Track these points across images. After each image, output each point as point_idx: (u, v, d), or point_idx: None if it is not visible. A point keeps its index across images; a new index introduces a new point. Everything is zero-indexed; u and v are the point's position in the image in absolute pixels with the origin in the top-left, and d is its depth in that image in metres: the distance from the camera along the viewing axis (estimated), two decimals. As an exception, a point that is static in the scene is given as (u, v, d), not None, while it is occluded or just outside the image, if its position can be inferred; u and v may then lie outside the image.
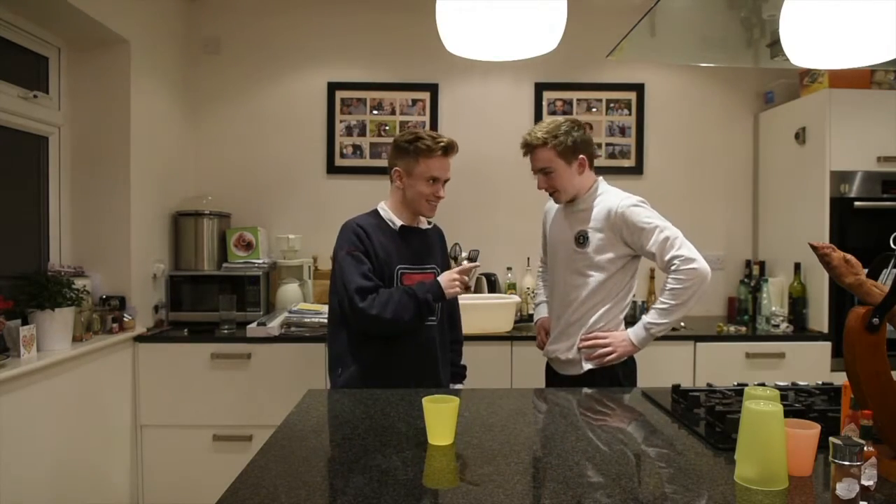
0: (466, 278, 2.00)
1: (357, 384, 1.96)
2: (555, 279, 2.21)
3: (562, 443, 1.35)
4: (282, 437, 1.39)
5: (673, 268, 1.97)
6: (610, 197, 2.08)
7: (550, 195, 2.16)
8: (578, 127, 2.10)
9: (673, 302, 1.97)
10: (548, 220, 2.31)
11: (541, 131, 2.08)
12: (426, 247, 2.13)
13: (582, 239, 2.08)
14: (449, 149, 2.03)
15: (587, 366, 2.08)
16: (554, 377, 2.22)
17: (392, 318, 1.89)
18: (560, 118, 2.14)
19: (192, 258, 3.15)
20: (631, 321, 2.16)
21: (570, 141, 2.06)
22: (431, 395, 1.38)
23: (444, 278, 1.97)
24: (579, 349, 2.09)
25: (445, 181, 2.06)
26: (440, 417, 1.32)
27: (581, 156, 2.08)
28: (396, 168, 2.06)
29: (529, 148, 2.12)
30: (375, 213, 2.10)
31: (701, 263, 1.96)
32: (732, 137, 3.55)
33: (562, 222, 2.18)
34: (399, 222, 2.07)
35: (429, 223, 2.19)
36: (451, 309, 2.26)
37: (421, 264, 2.08)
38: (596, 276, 2.06)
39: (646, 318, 2.03)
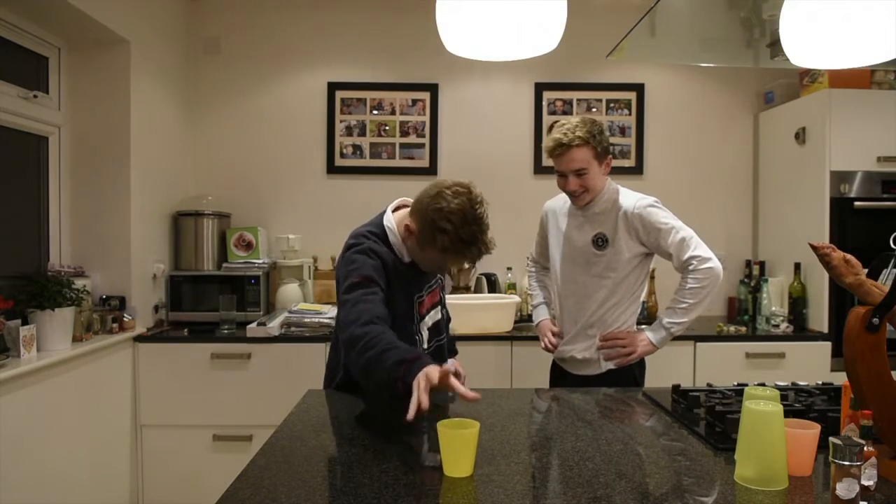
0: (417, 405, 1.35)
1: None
2: (569, 282, 2.18)
3: (561, 443, 1.35)
4: (282, 437, 1.39)
5: (691, 268, 2.00)
6: (625, 198, 2.09)
7: (574, 197, 2.09)
8: (604, 128, 2.11)
9: (692, 301, 2.01)
10: (550, 222, 2.28)
11: (580, 130, 2.00)
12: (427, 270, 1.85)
13: (601, 241, 2.08)
14: (475, 259, 1.64)
15: (607, 366, 2.10)
16: (564, 377, 2.22)
17: (362, 364, 1.51)
18: (587, 118, 2.06)
19: (192, 258, 3.15)
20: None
21: (605, 142, 2.06)
22: (447, 420, 1.18)
23: (418, 390, 1.35)
24: (599, 349, 2.11)
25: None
26: (460, 446, 1.14)
27: (609, 156, 2.10)
28: (409, 225, 1.66)
29: (565, 148, 2.00)
30: (384, 234, 1.73)
31: (716, 263, 2.01)
32: (732, 137, 3.55)
33: (576, 225, 2.16)
34: (407, 257, 1.73)
35: None
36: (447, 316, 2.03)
37: (428, 284, 1.84)
38: (614, 277, 2.08)
39: (665, 318, 2.06)
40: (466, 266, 1.65)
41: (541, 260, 2.43)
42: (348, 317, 1.56)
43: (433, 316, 1.86)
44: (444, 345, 1.94)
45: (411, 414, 1.30)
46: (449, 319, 2.09)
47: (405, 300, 1.73)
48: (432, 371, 1.38)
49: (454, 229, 1.56)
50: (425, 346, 1.81)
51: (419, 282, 1.79)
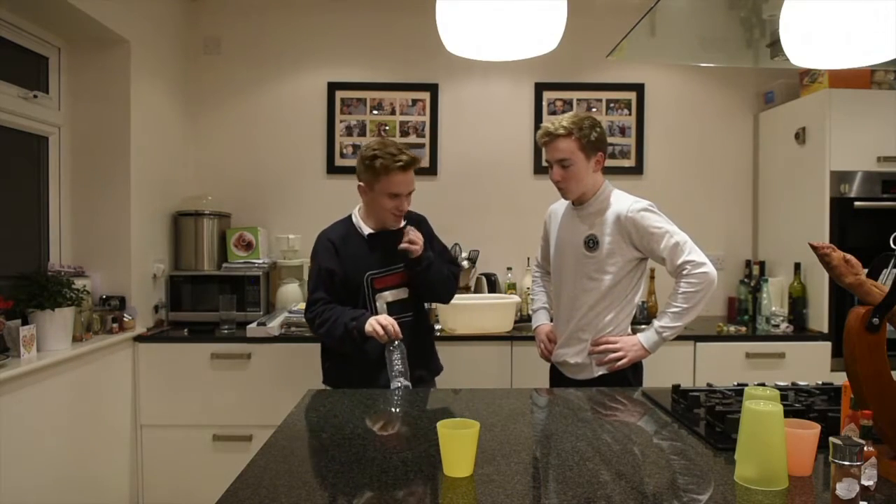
0: (390, 329, 1.95)
1: (335, 374, 2.17)
2: (562, 283, 2.18)
3: (562, 443, 1.35)
4: (282, 437, 1.39)
5: (685, 272, 1.99)
6: (619, 201, 2.07)
7: (561, 191, 2.13)
8: (599, 125, 2.10)
9: (685, 305, 1.99)
10: (552, 224, 2.29)
11: (565, 121, 2.05)
12: (396, 248, 2.12)
13: (591, 243, 2.07)
14: (407, 166, 2.05)
15: (599, 371, 2.09)
16: (561, 381, 2.21)
17: (324, 333, 2.06)
18: (581, 113, 2.11)
19: (192, 258, 3.15)
20: (631, 321, 2.16)
21: (592, 136, 2.05)
22: (447, 420, 1.20)
23: (374, 318, 1.98)
24: (590, 354, 2.09)
25: (409, 193, 2.09)
26: (460, 446, 1.15)
27: (599, 153, 2.09)
28: (360, 184, 2.11)
29: (551, 137, 2.06)
30: (348, 219, 2.19)
31: (710, 268, 1.99)
32: (732, 137, 3.55)
33: (570, 225, 2.16)
34: (367, 230, 2.13)
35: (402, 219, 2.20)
36: (429, 283, 2.18)
37: (391, 265, 2.13)
38: (605, 280, 2.06)
39: (657, 323, 2.04)
40: (403, 191, 2.06)
41: (544, 264, 2.42)
42: (307, 295, 2.15)
43: (397, 293, 2.14)
44: (410, 323, 2.13)
45: (381, 332, 1.93)
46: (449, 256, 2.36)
47: (354, 272, 2.10)
48: (380, 318, 1.97)
49: (376, 155, 2.02)
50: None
51: (374, 260, 2.11)
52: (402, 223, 2.16)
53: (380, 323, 1.95)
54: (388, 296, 2.13)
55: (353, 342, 2.00)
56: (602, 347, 2.07)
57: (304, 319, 2.79)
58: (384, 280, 2.12)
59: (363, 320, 1.98)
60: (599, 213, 2.08)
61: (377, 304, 2.12)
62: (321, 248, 2.14)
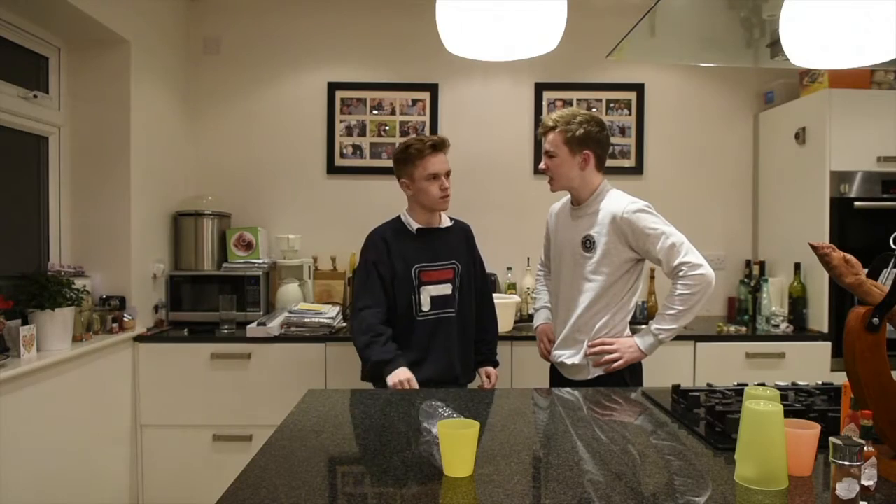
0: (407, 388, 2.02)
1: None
2: (560, 283, 2.19)
3: (562, 442, 1.35)
4: (282, 437, 1.39)
5: (681, 274, 1.97)
6: (616, 201, 2.07)
7: (549, 182, 2.17)
8: (597, 124, 2.09)
9: (681, 308, 1.98)
10: (552, 223, 2.30)
11: (555, 114, 2.10)
12: (444, 245, 2.27)
13: (588, 243, 2.07)
14: (438, 146, 2.18)
15: (595, 372, 2.08)
16: (560, 381, 2.22)
17: (357, 346, 2.17)
18: (583, 110, 2.13)
19: (192, 258, 3.15)
20: (631, 322, 2.16)
21: (579, 132, 2.05)
22: (447, 420, 1.23)
23: (397, 373, 2.04)
24: (586, 355, 2.09)
25: (447, 174, 2.19)
26: (460, 446, 1.16)
27: (586, 151, 2.07)
28: (402, 179, 2.23)
29: (544, 129, 2.13)
30: (398, 218, 2.29)
31: (707, 269, 1.97)
32: (732, 137, 3.55)
33: (568, 226, 2.17)
34: (416, 225, 2.23)
35: (451, 221, 2.32)
36: (481, 303, 2.38)
37: (438, 261, 2.23)
38: (601, 281, 2.06)
39: (654, 325, 2.03)
40: (440, 170, 2.18)
41: (548, 263, 2.42)
42: (356, 293, 2.27)
43: (441, 289, 2.22)
44: (453, 319, 2.23)
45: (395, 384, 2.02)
46: (491, 318, 2.43)
47: (403, 265, 2.19)
48: (402, 374, 2.04)
49: (407, 145, 2.19)
50: (424, 308, 2.20)
51: (423, 254, 2.21)
52: (447, 218, 2.31)
53: (401, 383, 2.02)
54: (433, 290, 2.21)
55: (371, 372, 2.13)
56: (598, 349, 2.07)
57: (304, 320, 2.83)
58: (430, 274, 2.22)
59: (390, 369, 2.06)
60: (596, 214, 2.08)
61: (422, 296, 2.20)
62: (371, 244, 2.24)
